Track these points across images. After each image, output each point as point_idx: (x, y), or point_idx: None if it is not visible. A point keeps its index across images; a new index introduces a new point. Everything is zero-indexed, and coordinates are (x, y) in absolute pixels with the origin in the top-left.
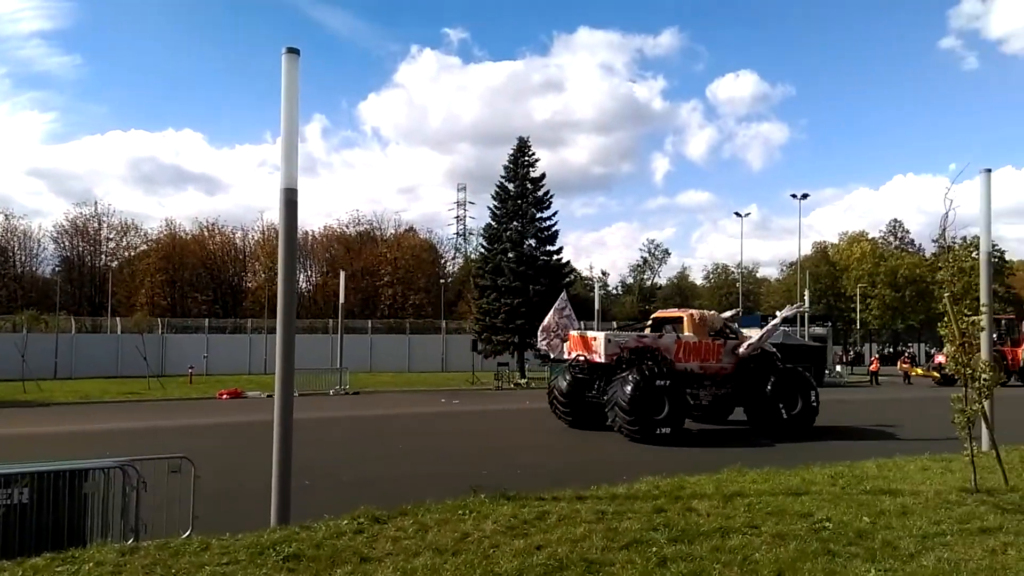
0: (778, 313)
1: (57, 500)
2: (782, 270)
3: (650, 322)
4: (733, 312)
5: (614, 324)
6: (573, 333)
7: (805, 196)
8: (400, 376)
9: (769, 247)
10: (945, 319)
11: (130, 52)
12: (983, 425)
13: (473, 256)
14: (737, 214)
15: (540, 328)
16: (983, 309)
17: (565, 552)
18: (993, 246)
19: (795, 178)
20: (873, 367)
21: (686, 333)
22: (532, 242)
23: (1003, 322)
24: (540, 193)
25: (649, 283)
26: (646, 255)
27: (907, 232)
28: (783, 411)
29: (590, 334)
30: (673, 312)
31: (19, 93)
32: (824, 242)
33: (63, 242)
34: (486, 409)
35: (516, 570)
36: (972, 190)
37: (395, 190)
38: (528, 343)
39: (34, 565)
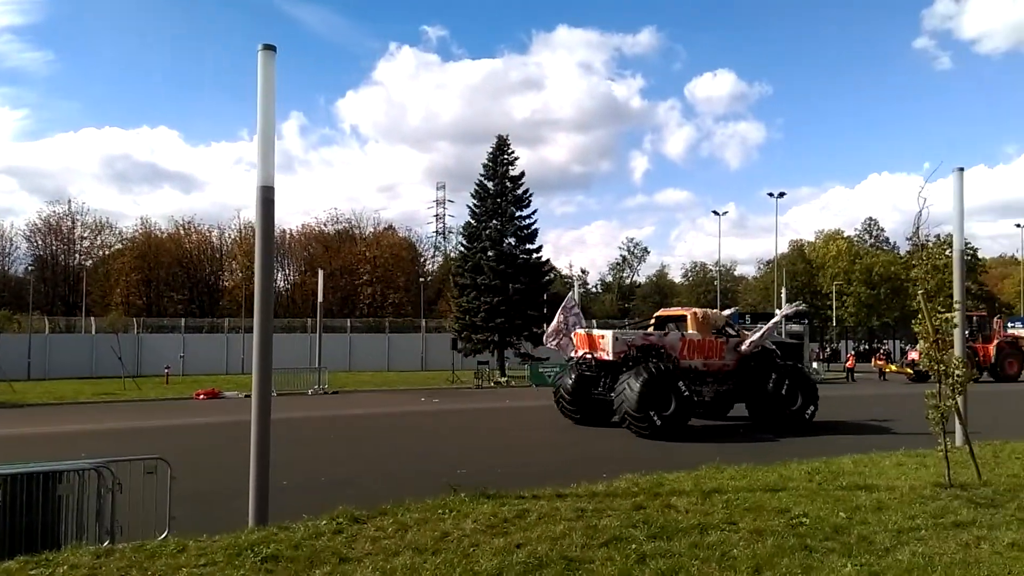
0: (777, 312)
1: (31, 502)
2: (759, 268)
3: (653, 320)
4: (732, 310)
5: (627, 322)
6: (580, 331)
7: (782, 195)
8: (379, 375)
9: (747, 245)
10: (919, 316)
11: (104, 48)
12: (956, 421)
13: (453, 255)
14: (715, 212)
15: (549, 330)
16: (956, 306)
17: (545, 550)
18: (966, 244)
19: (772, 177)
20: (849, 364)
21: (690, 331)
22: (512, 240)
23: (974, 319)
24: (519, 191)
25: (628, 281)
26: (625, 253)
27: (882, 230)
28: (784, 407)
29: (597, 332)
30: (676, 311)
31: None
32: (800, 240)
33: (36, 241)
34: (466, 408)
35: (496, 568)
36: (945, 189)
37: (374, 188)
38: (508, 341)
39: (7, 569)
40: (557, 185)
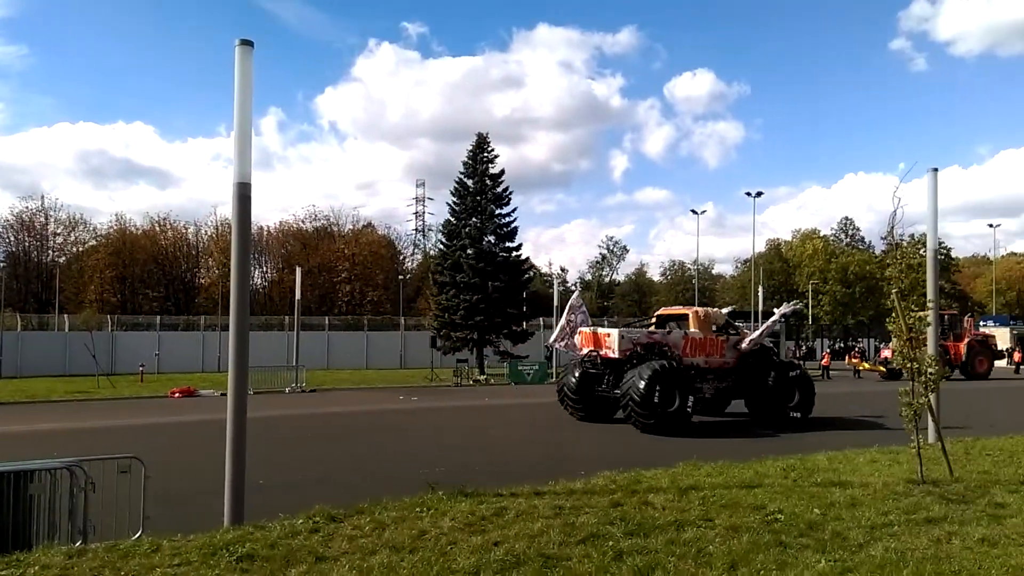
0: (776, 311)
1: (1, 502)
2: (737, 267)
3: (654, 319)
4: (730, 309)
5: (633, 321)
6: (585, 329)
7: (759, 194)
8: (358, 373)
9: (724, 244)
10: (893, 314)
11: (79, 42)
12: (929, 418)
13: (432, 252)
14: (694, 211)
15: (556, 331)
16: (930, 305)
17: (522, 548)
18: (940, 244)
19: (750, 176)
20: (824, 362)
21: (692, 329)
22: (491, 238)
23: (946, 317)
24: (499, 189)
25: (608, 279)
26: (605, 252)
27: (857, 230)
28: (783, 402)
29: (603, 331)
30: (678, 309)
31: None
32: (777, 239)
33: (8, 237)
34: (445, 406)
35: (473, 567)
36: (920, 189)
37: (353, 185)
38: (487, 339)
39: None
40: (537, 183)
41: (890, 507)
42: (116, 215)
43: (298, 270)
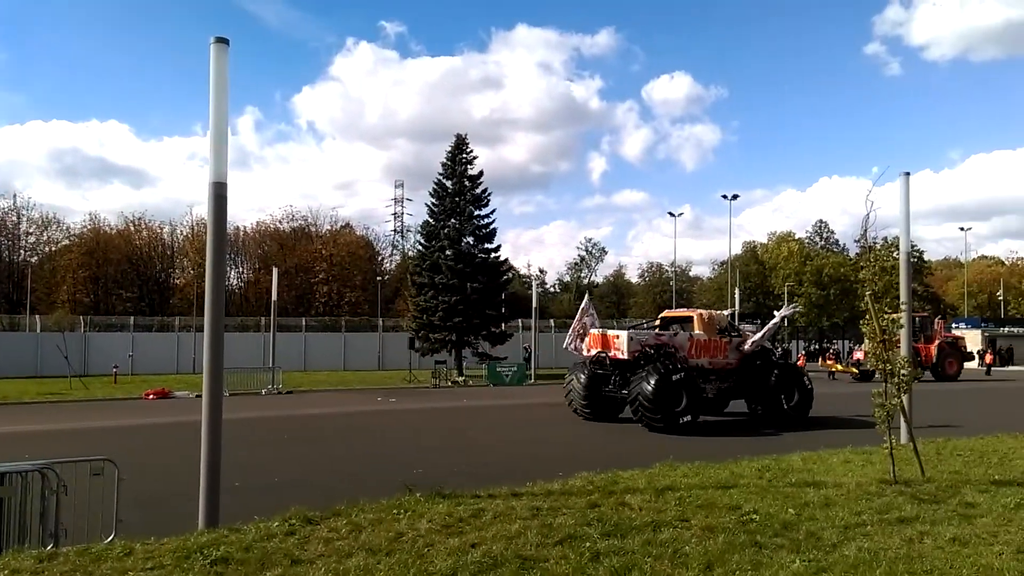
0: (776, 312)
1: None
2: (714, 269)
3: (658, 321)
4: (731, 311)
5: (643, 323)
6: (593, 331)
7: (735, 197)
8: (335, 375)
9: (702, 246)
10: (867, 316)
11: (52, 39)
12: (902, 419)
13: (410, 253)
14: (671, 214)
15: (569, 336)
16: (902, 307)
17: (500, 549)
18: (912, 246)
19: (726, 179)
20: (800, 363)
21: (697, 331)
22: (470, 240)
23: (917, 319)
24: (478, 191)
25: (586, 281)
26: (583, 253)
27: (832, 232)
28: (784, 402)
29: (612, 333)
30: (682, 312)
31: None
32: (753, 242)
33: None
34: (423, 408)
35: (450, 569)
36: (892, 193)
37: (331, 185)
38: (466, 341)
39: None
40: (516, 185)
41: (863, 507)
42: (90, 214)
43: (275, 271)
